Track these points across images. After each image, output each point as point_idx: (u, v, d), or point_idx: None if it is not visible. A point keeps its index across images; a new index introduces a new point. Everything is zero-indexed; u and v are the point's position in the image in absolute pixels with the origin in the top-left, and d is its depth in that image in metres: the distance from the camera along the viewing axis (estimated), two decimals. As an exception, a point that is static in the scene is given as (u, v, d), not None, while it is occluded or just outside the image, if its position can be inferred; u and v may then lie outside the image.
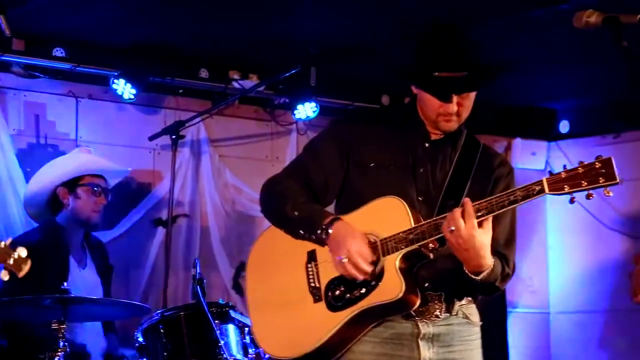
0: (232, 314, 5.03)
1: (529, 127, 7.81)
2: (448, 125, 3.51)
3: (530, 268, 7.53)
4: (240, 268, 6.58)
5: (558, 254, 7.90)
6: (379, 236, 3.42)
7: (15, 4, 4.99)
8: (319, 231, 3.46)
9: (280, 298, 3.58)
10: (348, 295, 3.45)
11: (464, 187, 3.54)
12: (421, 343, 3.47)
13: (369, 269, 3.36)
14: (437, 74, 3.38)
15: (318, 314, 3.48)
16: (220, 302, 5.11)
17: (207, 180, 6.66)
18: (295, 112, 6.70)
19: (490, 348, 3.66)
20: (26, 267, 3.34)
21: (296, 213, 3.51)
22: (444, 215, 3.32)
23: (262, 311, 3.62)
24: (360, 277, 3.38)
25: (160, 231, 6.44)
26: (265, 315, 3.61)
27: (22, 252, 3.32)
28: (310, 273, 3.54)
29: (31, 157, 6.01)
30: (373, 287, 3.41)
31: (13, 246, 3.34)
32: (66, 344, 4.67)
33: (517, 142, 7.79)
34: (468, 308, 3.54)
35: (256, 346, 4.92)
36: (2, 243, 3.31)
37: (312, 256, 3.54)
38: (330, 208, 3.61)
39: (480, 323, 3.60)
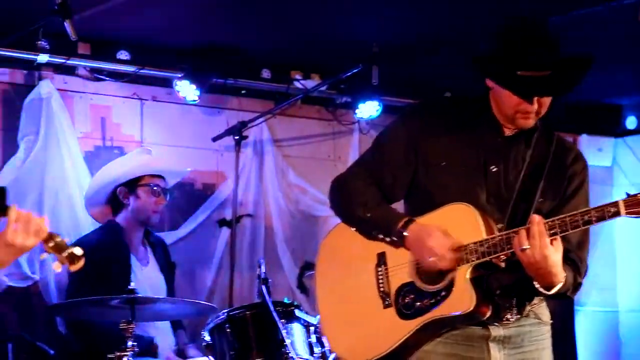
0: (298, 313, 5.03)
1: (595, 124, 7.77)
2: (525, 123, 3.44)
3: (598, 266, 7.41)
4: (305, 268, 6.55)
5: (626, 252, 7.84)
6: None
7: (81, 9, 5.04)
8: (394, 234, 3.44)
9: (350, 299, 3.57)
10: (418, 303, 3.43)
11: (537, 189, 3.49)
12: (491, 345, 3.45)
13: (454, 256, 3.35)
14: (520, 72, 3.31)
15: (388, 319, 3.47)
16: (286, 301, 5.13)
17: (271, 180, 6.69)
18: (357, 111, 6.71)
19: (558, 346, 3.63)
20: (79, 264, 3.31)
21: (368, 215, 3.51)
22: (516, 229, 3.27)
23: (332, 310, 3.62)
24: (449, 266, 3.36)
25: (225, 231, 6.46)
26: (335, 315, 3.61)
27: (77, 250, 3.32)
28: (380, 277, 3.52)
29: (98, 159, 6.07)
30: (443, 298, 3.39)
31: (71, 244, 3.39)
32: (135, 343, 4.70)
33: (583, 138, 7.75)
34: (539, 308, 3.53)
35: (322, 345, 4.95)
36: (60, 237, 3.33)
37: (382, 259, 3.53)
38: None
39: (551, 322, 3.57)
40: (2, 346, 5.59)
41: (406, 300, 3.45)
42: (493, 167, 3.51)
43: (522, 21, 3.44)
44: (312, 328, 5.02)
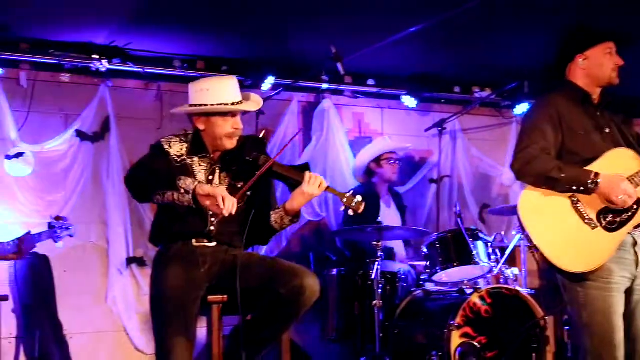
0: (480, 235, 4.92)
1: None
2: (617, 77, 3.31)
3: None
4: (483, 207, 6.50)
5: None
6: (624, 175, 3.21)
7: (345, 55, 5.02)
8: (589, 184, 3.16)
9: (562, 229, 3.23)
10: (618, 219, 3.21)
11: (629, 134, 3.35)
12: (637, 249, 3.28)
13: (636, 196, 3.19)
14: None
15: (600, 237, 3.20)
16: (473, 228, 5.00)
17: (461, 153, 6.54)
18: (514, 110, 6.56)
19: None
20: (362, 207, 3.41)
21: (562, 175, 3.20)
22: None
23: (548, 239, 3.24)
24: (631, 203, 3.18)
25: (433, 186, 6.41)
26: (553, 243, 3.23)
27: (359, 197, 3.40)
28: (582, 210, 3.22)
29: (357, 145, 6.06)
30: (636, 210, 3.22)
31: (354, 194, 3.43)
32: (382, 253, 4.76)
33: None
34: None
35: (496, 255, 4.88)
36: (349, 193, 3.40)
37: (575, 200, 3.23)
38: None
39: None
40: (306, 255, 5.76)
41: (608, 219, 3.21)
42: (607, 129, 3.35)
43: None
44: (489, 244, 4.94)
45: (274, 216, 3.52)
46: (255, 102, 3.54)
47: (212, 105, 3.41)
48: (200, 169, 3.46)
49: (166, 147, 3.44)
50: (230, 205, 3.14)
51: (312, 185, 3.35)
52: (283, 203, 3.52)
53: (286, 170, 3.44)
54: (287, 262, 3.45)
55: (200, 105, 3.43)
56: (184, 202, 3.22)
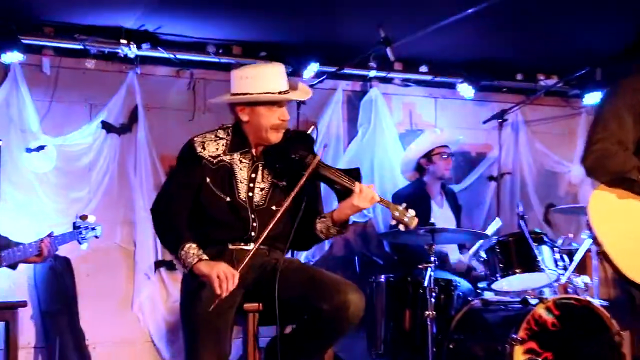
0: (545, 238, 4.91)
1: None
2: None
3: None
4: (548, 207, 6.44)
5: None
6: None
7: (396, 39, 5.04)
8: None
9: (637, 237, 3.17)
10: None
11: None
12: None
13: None
14: None
15: None
16: (537, 230, 4.97)
17: (523, 148, 6.52)
18: (584, 99, 6.46)
19: None
20: (415, 223, 3.37)
21: None
22: None
23: (621, 248, 3.18)
24: None
25: (492, 184, 6.38)
26: (627, 252, 3.17)
27: (412, 212, 3.36)
28: None
29: (407, 138, 6.07)
30: None
31: (406, 208, 3.41)
32: (435, 258, 4.68)
33: None
34: None
35: (564, 260, 4.83)
36: (402, 207, 3.37)
37: None
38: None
39: None
40: (352, 258, 5.78)
41: None
42: None
43: None
44: (556, 249, 4.88)
45: (320, 225, 3.50)
46: (303, 91, 3.54)
47: (257, 94, 3.38)
48: (241, 166, 3.45)
49: (199, 149, 3.43)
50: (229, 286, 3.13)
51: (363, 198, 3.34)
52: (330, 212, 3.50)
53: (335, 175, 3.42)
54: (329, 273, 3.40)
55: (243, 94, 3.41)
56: (184, 267, 3.29)
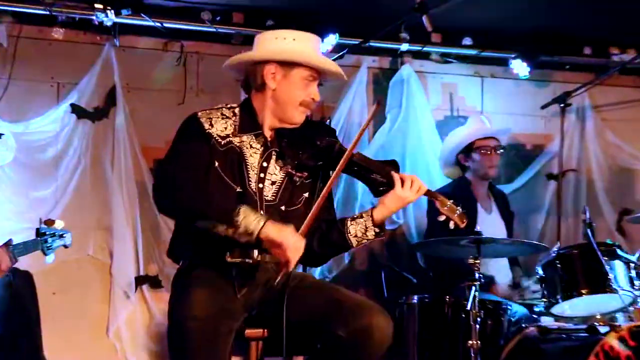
0: (619, 252, 4.83)
1: None
2: None
3: None
4: (623, 213, 6.42)
5: None
6: None
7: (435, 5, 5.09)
8: None
9: None
10: None
11: None
12: None
13: None
14: None
15: None
16: (608, 242, 4.94)
17: (591, 140, 6.52)
18: (668, 79, 6.48)
19: None
20: (465, 220, 3.44)
21: None
22: None
23: None
24: None
25: (552, 184, 6.39)
26: None
27: (459, 208, 3.43)
28: None
29: (447, 127, 6.11)
30: None
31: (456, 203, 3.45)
32: (480, 275, 4.67)
33: None
34: None
35: None
36: (451, 201, 3.45)
37: None
38: None
39: None
40: (377, 273, 5.75)
41: None
42: None
43: None
44: (631, 264, 4.81)
45: (354, 227, 3.50)
46: (339, 72, 3.57)
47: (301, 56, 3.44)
48: (251, 151, 3.46)
49: (206, 126, 3.42)
50: (297, 257, 3.16)
51: (409, 189, 3.36)
52: (366, 211, 3.52)
53: (374, 164, 3.44)
54: (350, 292, 3.40)
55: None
56: (241, 239, 3.22)
